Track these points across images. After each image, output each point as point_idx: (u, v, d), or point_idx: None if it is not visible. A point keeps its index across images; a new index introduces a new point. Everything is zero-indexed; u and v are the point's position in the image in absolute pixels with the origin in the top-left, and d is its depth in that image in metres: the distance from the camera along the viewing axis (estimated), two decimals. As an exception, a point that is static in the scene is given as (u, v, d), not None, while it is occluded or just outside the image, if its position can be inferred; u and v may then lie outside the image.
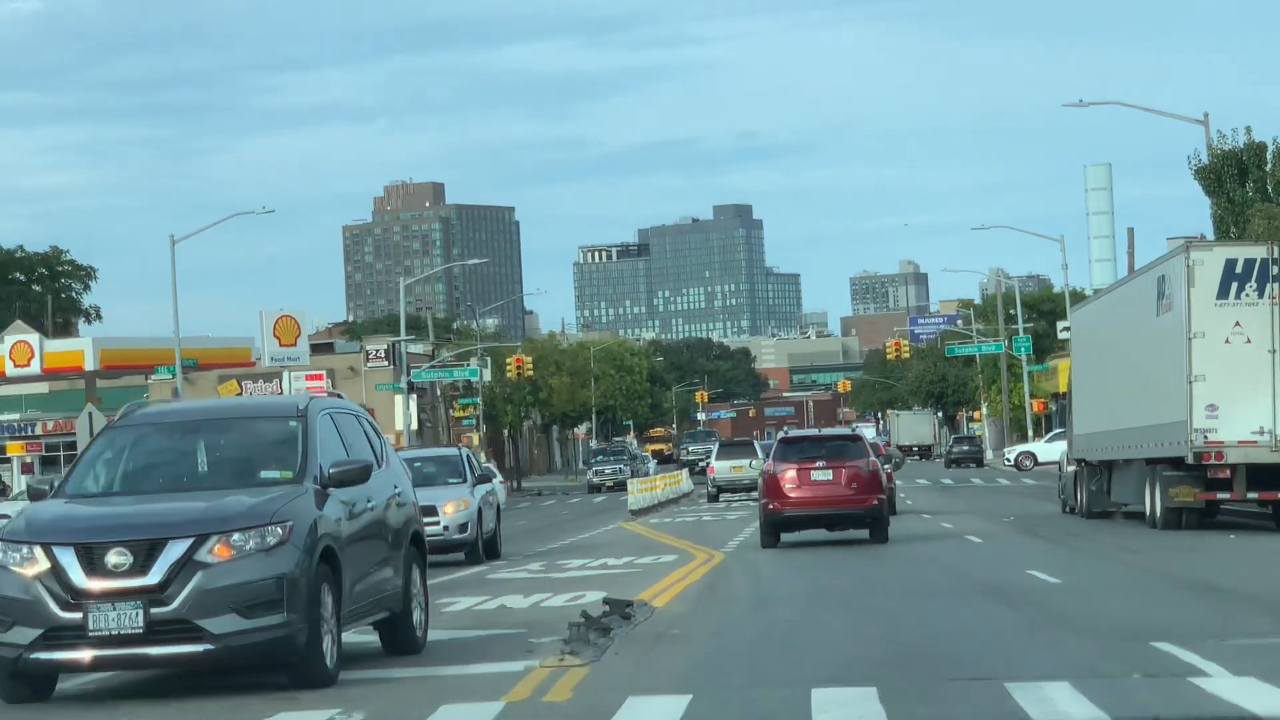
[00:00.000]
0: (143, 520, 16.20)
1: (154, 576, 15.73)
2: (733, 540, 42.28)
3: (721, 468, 74.93)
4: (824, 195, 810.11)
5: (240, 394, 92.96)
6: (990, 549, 35.72)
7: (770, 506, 37.65)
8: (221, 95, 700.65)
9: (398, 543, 18.77)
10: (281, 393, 67.57)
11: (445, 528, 37.28)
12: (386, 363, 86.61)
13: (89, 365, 70.95)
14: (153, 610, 15.67)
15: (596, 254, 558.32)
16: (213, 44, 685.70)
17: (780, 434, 46.36)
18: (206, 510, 16.25)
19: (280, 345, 69.28)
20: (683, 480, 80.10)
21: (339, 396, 21.43)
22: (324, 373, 69.75)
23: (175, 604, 15.72)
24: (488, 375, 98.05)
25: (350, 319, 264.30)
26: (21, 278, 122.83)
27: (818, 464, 37.49)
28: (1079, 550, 34.61)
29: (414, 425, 79.12)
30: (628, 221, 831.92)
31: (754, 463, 71.33)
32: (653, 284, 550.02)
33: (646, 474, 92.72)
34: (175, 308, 67.64)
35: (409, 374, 77.71)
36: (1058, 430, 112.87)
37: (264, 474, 17.16)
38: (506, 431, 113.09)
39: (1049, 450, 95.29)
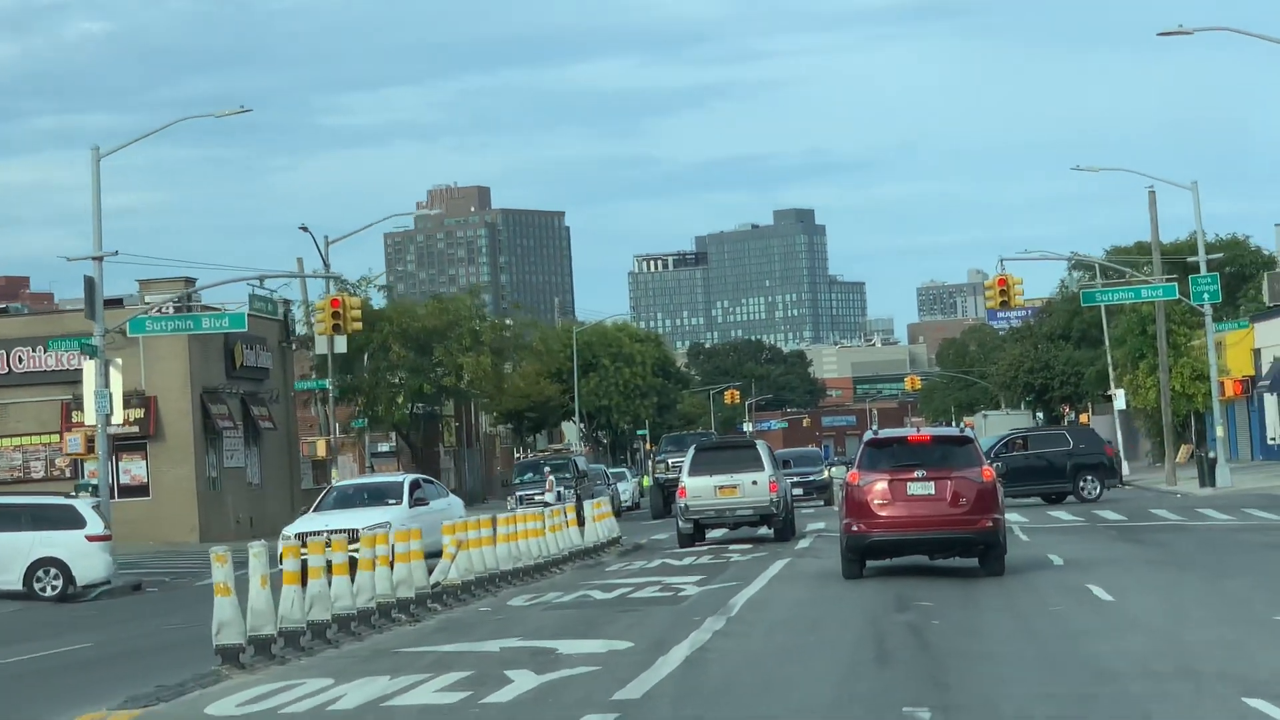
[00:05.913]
0: None
1: None
2: None
3: (699, 488, 45.12)
4: (890, 210, 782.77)
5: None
6: None
7: (855, 528, 30.22)
8: (288, 115, 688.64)
9: None
10: None
11: None
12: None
13: None
14: None
15: (652, 263, 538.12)
16: (280, 64, 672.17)
17: (868, 434, 32.65)
18: None
19: None
20: (561, 524, 39.80)
21: None
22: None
23: None
24: (340, 346, 62.55)
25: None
26: None
27: (916, 474, 29.95)
28: None
29: (114, 414, 43.42)
30: (687, 234, 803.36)
31: (757, 479, 45.43)
32: (711, 294, 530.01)
33: (611, 497, 60.63)
34: None
35: (101, 321, 42.51)
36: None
37: None
38: (395, 433, 77.01)
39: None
